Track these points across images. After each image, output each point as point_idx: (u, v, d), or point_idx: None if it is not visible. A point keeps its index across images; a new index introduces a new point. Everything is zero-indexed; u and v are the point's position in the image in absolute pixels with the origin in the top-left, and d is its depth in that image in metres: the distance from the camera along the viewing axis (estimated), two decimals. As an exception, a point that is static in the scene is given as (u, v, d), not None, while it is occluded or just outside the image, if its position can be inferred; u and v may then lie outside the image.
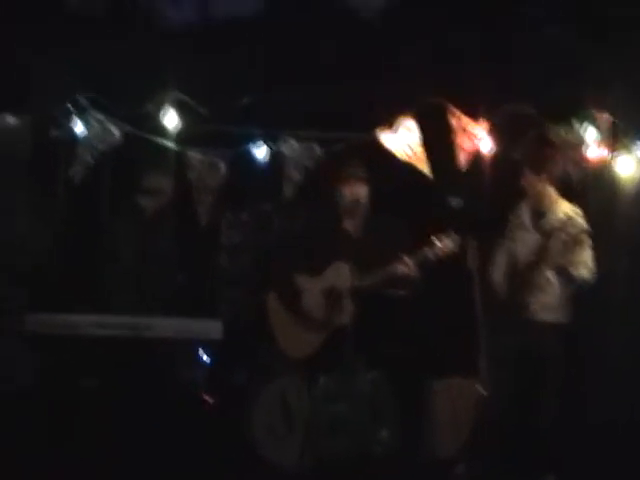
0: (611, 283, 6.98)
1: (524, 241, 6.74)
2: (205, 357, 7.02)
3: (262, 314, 6.81)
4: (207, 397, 6.94)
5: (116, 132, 6.28)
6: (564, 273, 6.47)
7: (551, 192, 6.68)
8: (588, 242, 6.48)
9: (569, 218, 6.61)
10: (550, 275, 6.56)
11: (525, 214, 6.79)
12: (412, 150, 6.51)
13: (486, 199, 7.23)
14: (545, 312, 6.63)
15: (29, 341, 6.22)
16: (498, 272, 6.86)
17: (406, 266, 6.53)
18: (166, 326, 6.25)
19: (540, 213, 6.71)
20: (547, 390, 6.62)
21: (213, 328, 6.33)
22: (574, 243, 6.45)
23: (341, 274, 6.59)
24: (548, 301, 6.62)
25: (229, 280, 8.17)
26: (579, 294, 6.72)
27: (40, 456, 5.99)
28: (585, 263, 6.50)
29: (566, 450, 6.68)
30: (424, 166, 6.50)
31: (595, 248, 6.57)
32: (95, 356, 6.27)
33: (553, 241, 6.52)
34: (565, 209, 6.67)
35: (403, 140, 6.51)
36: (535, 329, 6.60)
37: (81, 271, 6.83)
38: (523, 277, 6.65)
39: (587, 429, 6.96)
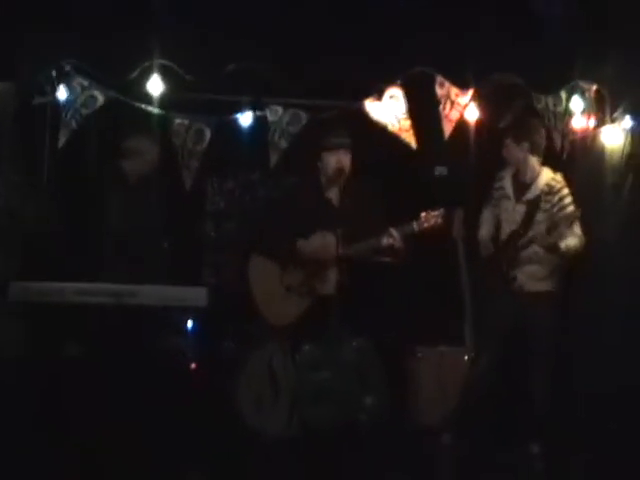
0: (599, 254, 6.98)
1: (508, 211, 6.75)
2: (190, 324, 7.01)
3: (246, 282, 6.80)
4: (193, 365, 6.95)
5: (100, 98, 6.24)
6: (554, 249, 6.48)
7: (534, 162, 6.69)
8: (574, 212, 6.49)
9: (553, 188, 6.62)
10: (537, 249, 6.59)
11: (508, 184, 6.80)
12: (398, 121, 6.48)
13: (472, 168, 7.24)
14: (532, 282, 6.66)
15: (13, 309, 6.19)
16: (485, 232, 6.86)
17: (392, 238, 6.54)
18: (151, 293, 6.22)
19: (523, 184, 6.72)
20: (536, 360, 6.65)
21: (198, 295, 6.29)
22: (561, 215, 6.47)
23: (325, 242, 6.58)
24: (535, 271, 6.65)
25: (214, 247, 8.18)
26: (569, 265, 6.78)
27: (25, 425, 5.97)
28: (573, 234, 6.52)
29: (552, 419, 6.75)
30: (410, 138, 6.47)
31: (582, 218, 6.60)
32: (80, 324, 6.25)
33: (539, 215, 6.56)
34: (549, 179, 6.67)
35: (389, 110, 6.47)
36: (523, 299, 6.63)
37: (67, 238, 6.79)
38: (509, 247, 6.67)
39: (573, 398, 6.98)
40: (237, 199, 8.21)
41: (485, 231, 6.88)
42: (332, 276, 6.56)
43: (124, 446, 5.95)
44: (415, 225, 6.56)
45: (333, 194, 6.80)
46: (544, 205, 6.58)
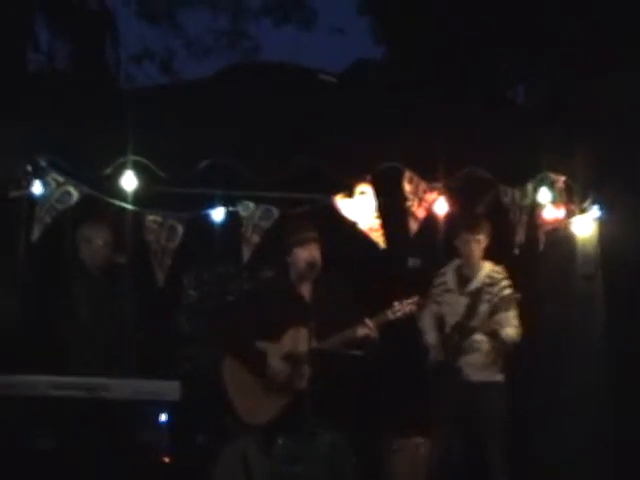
0: (568, 341, 7.04)
1: (451, 304, 6.90)
2: (164, 418, 6.98)
3: (219, 379, 6.78)
4: (167, 458, 6.91)
5: (75, 193, 6.29)
6: (494, 336, 6.63)
7: (480, 254, 6.85)
8: (512, 296, 6.65)
9: (494, 279, 6.78)
10: (479, 336, 6.72)
11: (451, 278, 6.96)
12: (368, 220, 6.56)
13: (443, 260, 7.30)
14: (477, 372, 6.76)
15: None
16: (431, 338, 6.96)
17: (367, 328, 6.54)
18: (124, 387, 6.21)
19: (466, 277, 6.89)
20: (490, 450, 6.69)
21: (171, 389, 6.27)
22: (501, 305, 6.59)
23: (299, 339, 6.57)
24: (478, 361, 6.74)
25: (188, 340, 8.19)
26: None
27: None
28: (513, 324, 6.67)
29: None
30: (379, 238, 6.56)
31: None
32: (53, 417, 6.23)
33: (482, 305, 6.68)
34: (490, 271, 6.87)
35: (359, 207, 6.56)
36: (469, 390, 6.73)
37: (39, 332, 6.79)
38: (452, 339, 6.75)
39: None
40: (211, 293, 8.26)
41: (431, 337, 7.00)
42: (305, 371, 6.54)
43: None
44: (390, 314, 6.54)
45: (305, 289, 6.78)
46: (486, 296, 6.72)
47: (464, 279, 6.94)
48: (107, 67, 15.28)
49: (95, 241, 6.95)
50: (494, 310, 6.61)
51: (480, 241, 6.85)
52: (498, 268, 6.88)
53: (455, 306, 6.88)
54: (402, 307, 6.54)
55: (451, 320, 6.89)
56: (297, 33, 18.28)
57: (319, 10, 18.69)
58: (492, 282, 6.82)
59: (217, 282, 8.31)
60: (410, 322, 6.82)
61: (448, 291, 6.98)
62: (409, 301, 6.55)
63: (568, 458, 6.92)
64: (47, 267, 7.05)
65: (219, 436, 7.19)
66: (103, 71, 14.92)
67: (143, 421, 6.71)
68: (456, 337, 6.77)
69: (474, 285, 6.85)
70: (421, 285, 7.13)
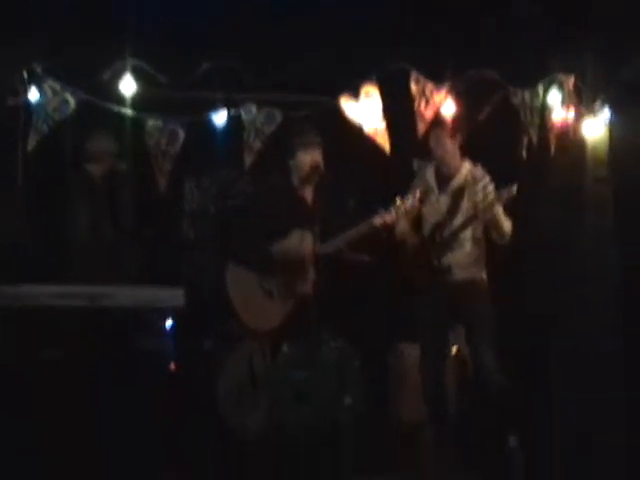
0: (576, 245, 6.99)
1: (431, 203, 6.78)
2: (169, 325, 6.97)
3: (224, 288, 6.74)
4: (172, 365, 6.92)
5: (72, 102, 6.15)
6: (495, 224, 6.57)
7: (457, 154, 6.75)
8: (508, 194, 6.47)
9: (476, 178, 6.68)
10: (464, 233, 6.63)
11: (431, 176, 6.83)
12: (373, 122, 6.43)
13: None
14: (462, 270, 6.67)
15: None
16: (402, 226, 6.85)
17: (370, 225, 6.51)
18: (126, 295, 6.16)
19: (446, 176, 6.79)
20: (482, 349, 6.64)
21: (175, 296, 6.23)
22: (487, 203, 6.50)
23: (303, 242, 6.53)
24: (463, 259, 6.68)
25: (191, 246, 8.14)
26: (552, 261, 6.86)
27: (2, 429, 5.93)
28: (502, 220, 6.58)
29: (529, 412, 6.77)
30: (384, 142, 6.45)
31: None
32: (57, 327, 6.20)
33: (464, 204, 6.59)
34: (471, 170, 6.75)
35: (364, 109, 6.42)
36: (455, 288, 6.65)
37: (40, 242, 6.74)
38: (435, 239, 6.67)
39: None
40: (214, 198, 8.18)
41: (402, 226, 6.86)
42: (310, 276, 6.51)
43: (104, 446, 5.92)
44: (392, 211, 6.55)
45: (307, 192, 6.76)
46: (468, 194, 6.62)
47: (444, 179, 6.80)
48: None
49: (109, 156, 6.94)
50: (490, 204, 6.47)
51: (452, 139, 6.71)
52: (478, 167, 6.74)
53: (436, 205, 6.77)
54: (404, 203, 6.54)
55: (432, 219, 6.78)
56: None
57: None
58: (474, 181, 6.67)
59: (219, 187, 8.21)
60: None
61: (429, 191, 6.82)
62: (411, 196, 6.55)
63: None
64: (47, 176, 6.97)
65: (224, 342, 7.18)
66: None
67: (147, 328, 6.69)
68: (437, 236, 6.67)
69: (455, 183, 6.73)
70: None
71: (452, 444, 6.73)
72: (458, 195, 6.67)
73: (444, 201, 6.74)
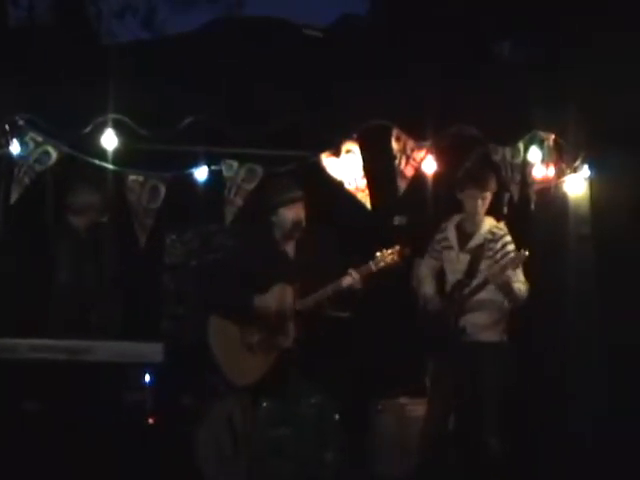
0: (559, 301, 6.98)
1: (452, 261, 6.76)
2: (148, 379, 6.93)
3: (205, 338, 6.72)
4: (151, 419, 6.87)
5: (54, 153, 6.14)
6: (507, 288, 6.47)
7: (482, 210, 6.70)
8: (519, 256, 6.45)
9: (496, 235, 6.66)
10: (484, 294, 6.58)
11: (452, 234, 6.81)
12: (354, 179, 6.43)
13: (430, 218, 7.20)
14: (482, 332, 6.63)
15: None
16: (429, 288, 6.85)
17: (351, 278, 6.51)
18: (106, 350, 6.15)
19: (467, 233, 6.75)
20: (487, 408, 6.61)
21: (154, 351, 6.22)
22: (507, 259, 6.48)
23: (284, 297, 6.52)
24: (482, 320, 6.63)
25: (172, 300, 8.13)
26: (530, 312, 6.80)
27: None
28: (519, 280, 6.53)
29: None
30: (365, 198, 6.42)
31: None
32: (36, 380, 6.17)
33: (484, 262, 6.56)
34: (491, 227, 6.72)
35: (345, 166, 6.41)
36: (472, 351, 6.60)
37: (20, 294, 6.71)
38: (454, 298, 6.64)
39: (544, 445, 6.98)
40: (195, 251, 8.20)
41: (429, 287, 6.87)
42: (291, 330, 6.49)
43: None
44: (372, 264, 6.56)
45: (289, 247, 6.76)
46: (488, 252, 6.60)
47: (465, 235, 6.75)
48: (88, 22, 15.12)
49: (94, 209, 6.96)
50: (503, 267, 6.44)
51: (486, 198, 6.67)
52: (500, 224, 6.72)
53: (456, 263, 6.72)
54: (384, 257, 6.56)
55: (452, 278, 6.74)
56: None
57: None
58: (494, 238, 6.63)
59: (200, 240, 8.23)
60: (398, 281, 6.78)
61: (448, 248, 6.79)
62: (389, 251, 6.58)
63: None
64: (28, 228, 6.96)
65: (204, 397, 7.14)
66: (84, 26, 14.75)
67: (126, 383, 6.69)
68: (457, 295, 6.64)
69: (476, 241, 6.67)
70: (407, 242, 7.05)
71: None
72: (478, 254, 6.62)
73: (464, 259, 6.70)
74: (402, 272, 6.87)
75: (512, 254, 6.52)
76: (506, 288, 6.46)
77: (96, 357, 6.10)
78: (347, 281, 6.51)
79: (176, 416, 7.22)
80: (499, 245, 6.62)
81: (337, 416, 6.60)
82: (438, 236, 6.91)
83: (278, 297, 6.59)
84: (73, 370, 6.13)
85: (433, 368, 6.85)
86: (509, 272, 6.41)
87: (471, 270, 6.61)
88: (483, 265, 6.59)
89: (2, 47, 7.41)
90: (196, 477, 6.75)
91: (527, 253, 6.39)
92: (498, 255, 6.57)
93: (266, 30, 7.69)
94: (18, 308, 6.57)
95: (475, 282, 6.56)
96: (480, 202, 6.65)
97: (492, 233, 6.67)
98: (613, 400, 6.69)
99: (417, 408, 7.25)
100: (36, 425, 6.13)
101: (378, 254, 6.56)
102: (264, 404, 6.50)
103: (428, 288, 6.87)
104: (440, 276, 6.90)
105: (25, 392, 6.22)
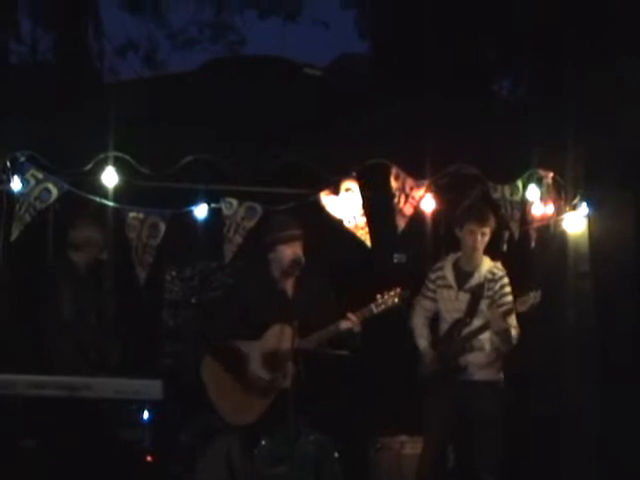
0: (559, 339, 6.98)
1: (450, 300, 6.75)
2: (147, 416, 6.92)
3: (200, 377, 6.70)
4: (149, 457, 6.85)
5: (54, 191, 6.18)
6: (505, 335, 6.47)
7: (482, 246, 6.71)
8: (520, 306, 6.45)
9: (495, 276, 6.67)
10: (482, 335, 6.59)
11: (449, 273, 6.80)
12: (353, 217, 6.46)
13: (430, 255, 7.22)
14: (479, 371, 6.64)
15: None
16: (422, 340, 6.86)
17: (350, 322, 6.48)
18: (105, 386, 6.14)
19: (465, 272, 6.75)
20: (483, 447, 6.60)
21: (153, 388, 6.20)
22: (506, 302, 6.52)
23: (283, 337, 6.49)
24: (480, 360, 6.63)
25: (171, 337, 8.13)
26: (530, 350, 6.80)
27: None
28: (513, 325, 6.55)
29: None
30: (364, 236, 6.45)
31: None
32: (35, 417, 6.17)
33: (483, 302, 6.57)
34: (490, 267, 6.73)
35: (345, 204, 6.45)
36: (469, 389, 6.61)
37: (20, 330, 6.73)
38: (453, 337, 6.64)
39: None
40: (194, 288, 8.21)
41: (422, 340, 6.89)
42: (290, 369, 6.46)
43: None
44: (373, 307, 6.49)
45: (288, 285, 6.73)
46: (487, 292, 6.60)
47: (464, 274, 6.75)
48: (90, 59, 15.20)
49: (94, 245, 6.96)
50: (506, 312, 6.43)
51: (486, 234, 6.67)
52: (498, 264, 6.73)
53: (455, 302, 6.72)
54: (384, 300, 6.49)
55: (449, 317, 6.74)
56: (282, 25, 18.12)
57: (304, 3, 18.47)
58: (494, 278, 6.64)
59: (200, 278, 8.25)
60: (397, 320, 6.77)
61: (446, 287, 6.79)
62: (391, 293, 6.50)
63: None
64: (28, 264, 6.97)
65: (202, 435, 7.11)
66: (86, 63, 14.83)
67: (125, 420, 6.67)
68: (456, 335, 6.63)
69: (476, 280, 6.68)
70: (407, 281, 7.05)
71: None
72: (478, 293, 6.62)
73: (463, 298, 6.69)
74: (401, 310, 6.84)
75: (509, 298, 6.53)
76: (504, 334, 6.49)
77: (95, 394, 6.07)
78: (346, 325, 6.46)
79: (174, 454, 7.19)
80: (498, 286, 6.64)
81: (336, 454, 6.57)
82: (432, 275, 6.91)
83: (276, 338, 6.54)
84: (72, 407, 6.11)
85: (428, 405, 6.82)
86: (509, 318, 6.44)
87: (471, 309, 6.61)
88: (483, 305, 6.61)
89: (4, 84, 7.44)
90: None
91: (539, 295, 6.38)
92: (497, 296, 6.58)
93: (266, 69, 7.72)
94: (17, 344, 6.59)
95: (475, 323, 6.57)
96: (479, 237, 6.65)
97: (492, 273, 6.68)
98: (605, 440, 6.66)
99: (416, 446, 7.20)
100: (34, 462, 6.10)
101: (379, 296, 6.49)
102: (263, 442, 6.48)
103: (422, 341, 6.87)
104: (434, 317, 6.90)
105: (24, 429, 6.20)
